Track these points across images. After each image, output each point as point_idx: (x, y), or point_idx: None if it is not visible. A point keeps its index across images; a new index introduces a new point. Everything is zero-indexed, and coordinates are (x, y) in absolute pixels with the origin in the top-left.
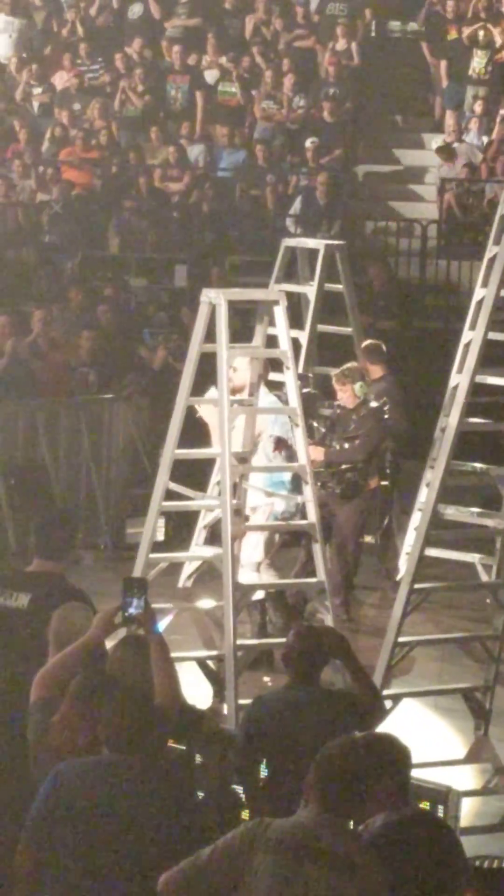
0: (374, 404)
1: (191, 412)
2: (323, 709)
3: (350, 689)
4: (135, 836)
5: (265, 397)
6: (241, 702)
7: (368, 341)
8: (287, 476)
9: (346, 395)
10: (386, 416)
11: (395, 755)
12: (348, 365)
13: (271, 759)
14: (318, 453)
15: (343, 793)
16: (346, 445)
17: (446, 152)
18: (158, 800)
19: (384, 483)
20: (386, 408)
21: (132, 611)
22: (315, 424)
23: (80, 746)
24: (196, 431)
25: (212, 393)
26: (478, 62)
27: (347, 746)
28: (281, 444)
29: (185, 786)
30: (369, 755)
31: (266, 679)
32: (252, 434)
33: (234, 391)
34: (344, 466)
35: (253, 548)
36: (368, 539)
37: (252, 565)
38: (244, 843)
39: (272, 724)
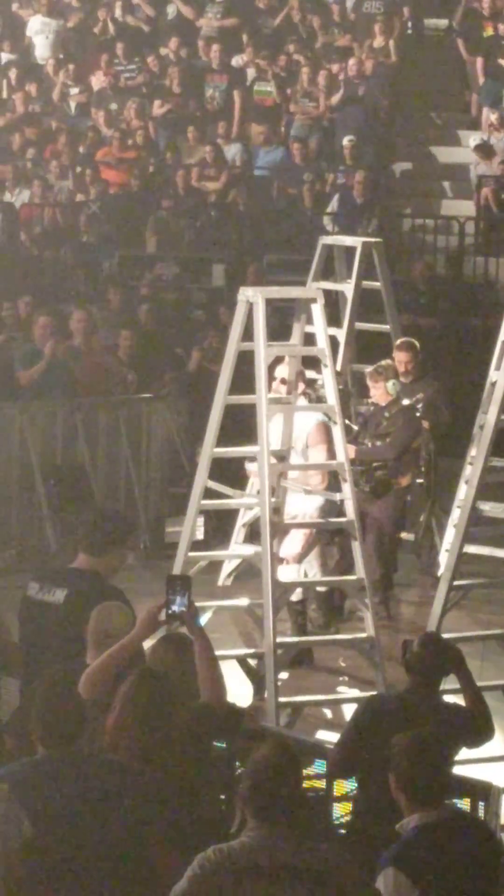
0: (406, 402)
1: (231, 411)
2: (437, 719)
3: (465, 706)
4: (81, 835)
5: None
6: (281, 699)
7: (405, 339)
8: None
9: (379, 393)
10: (418, 414)
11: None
12: (382, 362)
13: (374, 756)
14: (350, 451)
15: (276, 802)
16: (378, 443)
17: (484, 150)
18: (95, 795)
19: (419, 480)
20: (419, 406)
21: (176, 608)
22: (347, 422)
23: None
24: (235, 430)
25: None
26: None
27: (269, 749)
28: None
29: (125, 777)
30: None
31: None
32: (290, 432)
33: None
34: (375, 464)
35: (294, 546)
36: (406, 536)
37: (293, 562)
38: (206, 882)
39: (386, 721)
